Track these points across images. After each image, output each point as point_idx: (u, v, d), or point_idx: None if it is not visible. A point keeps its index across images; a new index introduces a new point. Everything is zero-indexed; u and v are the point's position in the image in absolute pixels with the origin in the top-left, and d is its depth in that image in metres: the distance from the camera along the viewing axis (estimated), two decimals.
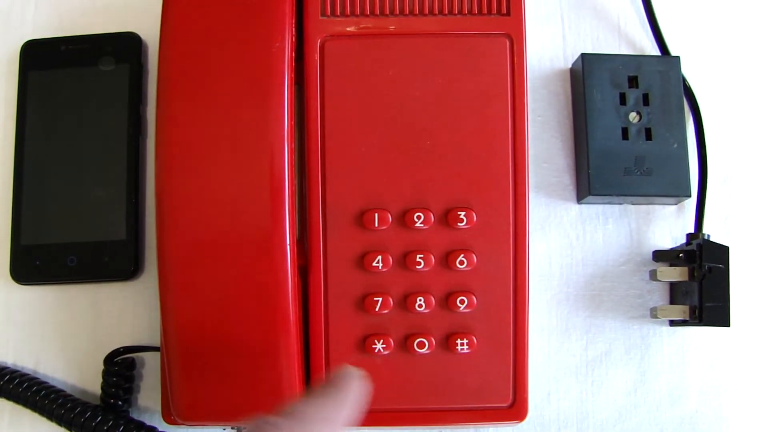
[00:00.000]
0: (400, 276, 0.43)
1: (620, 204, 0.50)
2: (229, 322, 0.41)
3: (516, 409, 0.43)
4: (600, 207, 0.50)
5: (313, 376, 0.43)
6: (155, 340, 0.48)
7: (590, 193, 0.47)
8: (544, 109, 0.50)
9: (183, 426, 0.44)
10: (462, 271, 0.43)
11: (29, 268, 0.48)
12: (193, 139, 0.41)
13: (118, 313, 0.49)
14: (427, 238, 0.43)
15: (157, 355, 0.47)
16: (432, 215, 0.43)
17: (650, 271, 0.49)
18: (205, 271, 0.41)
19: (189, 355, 0.41)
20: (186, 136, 0.41)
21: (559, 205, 0.50)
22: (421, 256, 0.43)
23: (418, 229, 0.43)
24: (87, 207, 0.49)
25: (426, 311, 0.43)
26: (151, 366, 0.48)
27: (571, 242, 0.49)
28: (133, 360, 0.48)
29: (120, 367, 0.47)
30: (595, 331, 0.49)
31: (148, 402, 0.48)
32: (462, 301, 0.43)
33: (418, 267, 0.43)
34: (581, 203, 0.50)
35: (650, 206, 0.50)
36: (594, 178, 0.47)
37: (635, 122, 0.48)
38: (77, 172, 0.49)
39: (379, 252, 0.43)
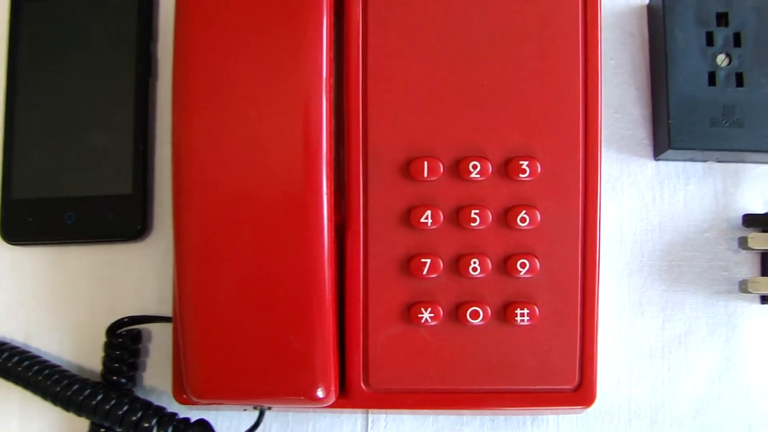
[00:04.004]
0: (451, 234, 0.44)
1: (704, 161, 0.50)
2: (254, 288, 0.42)
3: (582, 393, 0.44)
4: (681, 164, 0.51)
5: (348, 350, 0.44)
6: (164, 309, 0.49)
7: (670, 148, 0.48)
8: (616, 51, 0.51)
9: (197, 406, 0.46)
10: (523, 230, 0.44)
11: (21, 225, 0.50)
12: (217, 77, 0.42)
13: (123, 278, 0.50)
14: (484, 190, 0.44)
15: (166, 327, 0.48)
16: (490, 165, 0.44)
17: (739, 239, 0.49)
18: (228, 230, 0.42)
19: (208, 326, 0.42)
20: (208, 75, 0.42)
21: (633, 161, 0.51)
22: (477, 211, 0.44)
23: (474, 181, 0.44)
24: (88, 156, 0.50)
25: (481, 276, 0.44)
26: (159, 339, 0.50)
27: (647, 204, 0.50)
28: (139, 332, 0.49)
29: (124, 340, 0.48)
30: (673, 308, 0.50)
31: (154, 381, 0.50)
32: (523, 265, 0.44)
33: (472, 224, 0.44)
34: (659, 160, 0.50)
35: (740, 164, 0.50)
36: (675, 130, 0.48)
37: (724, 66, 0.49)
38: (77, 116, 0.50)
39: (427, 206, 0.44)
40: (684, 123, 0.48)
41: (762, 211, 0.50)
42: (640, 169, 0.51)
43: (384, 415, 0.49)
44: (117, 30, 0.51)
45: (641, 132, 0.51)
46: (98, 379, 0.48)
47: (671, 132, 0.48)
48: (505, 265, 0.44)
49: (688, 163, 0.51)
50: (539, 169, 0.44)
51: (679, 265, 0.50)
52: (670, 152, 0.49)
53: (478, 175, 0.44)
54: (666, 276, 0.50)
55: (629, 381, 0.49)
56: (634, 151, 0.51)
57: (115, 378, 0.48)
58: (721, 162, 0.51)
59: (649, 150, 0.51)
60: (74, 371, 0.49)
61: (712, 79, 0.49)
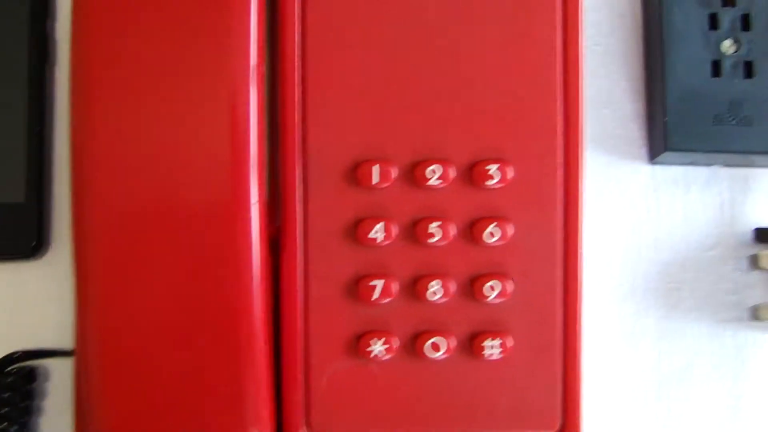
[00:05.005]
0: (407, 252, 0.45)
1: (708, 165, 0.52)
2: (170, 314, 0.43)
3: None
4: (680, 169, 0.52)
5: (286, 388, 0.45)
6: (65, 341, 0.49)
7: (667, 149, 0.49)
8: (604, 35, 0.53)
9: None
10: (492, 247, 0.45)
11: None
12: (124, 62, 0.43)
13: (13, 305, 0.51)
14: (445, 200, 0.45)
15: (66, 363, 0.49)
16: (452, 169, 0.45)
17: (749, 257, 0.51)
18: (139, 246, 0.43)
19: (115, 360, 0.43)
20: (113, 59, 0.43)
21: (623, 165, 0.52)
22: (437, 224, 0.45)
23: (433, 188, 0.45)
24: None
25: (442, 301, 0.45)
26: (58, 378, 0.50)
27: (640, 216, 0.52)
28: (32, 369, 0.50)
29: (15, 379, 0.48)
30: (672, 338, 0.51)
31: (52, 428, 0.50)
32: (492, 288, 0.45)
33: (432, 240, 0.45)
34: (654, 163, 0.52)
35: (749, 169, 0.52)
36: (673, 128, 0.49)
37: (730, 53, 0.50)
38: None
39: (378, 218, 0.45)
40: (683, 120, 0.49)
41: None
42: (633, 174, 0.52)
43: None
44: (5, 5, 0.51)
45: (633, 131, 0.52)
46: None
47: (668, 131, 0.49)
48: (472, 288, 0.45)
49: (689, 168, 0.52)
50: (510, 175, 0.45)
51: (678, 289, 0.51)
52: (667, 155, 0.50)
53: (439, 182, 0.45)
54: (663, 301, 0.51)
55: (621, 425, 0.50)
56: (624, 153, 0.52)
57: (3, 426, 0.48)
58: (727, 166, 0.52)
59: (643, 152, 0.52)
60: None
61: (716, 68, 0.50)
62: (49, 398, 0.51)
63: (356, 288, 0.45)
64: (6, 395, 0.48)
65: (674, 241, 0.52)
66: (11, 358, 0.49)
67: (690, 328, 0.51)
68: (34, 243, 0.50)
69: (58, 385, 0.51)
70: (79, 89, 0.43)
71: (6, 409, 0.48)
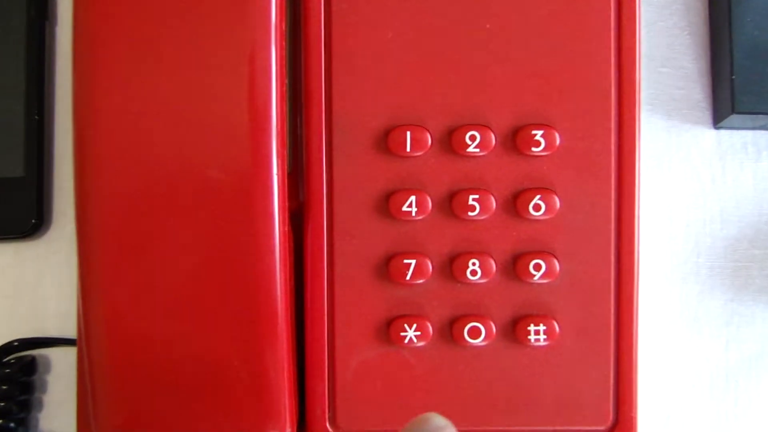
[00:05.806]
0: (444, 227, 0.44)
1: None
2: (183, 298, 0.42)
3: None
4: (749, 134, 0.51)
5: (309, 379, 0.44)
6: (68, 328, 0.49)
7: (734, 111, 0.48)
8: None
9: None
10: (537, 221, 0.44)
11: None
12: (132, 20, 0.42)
13: (12, 288, 0.50)
14: (486, 169, 0.44)
15: (69, 352, 0.49)
16: (493, 135, 0.44)
17: None
18: (148, 223, 0.42)
19: (122, 348, 0.42)
20: (120, 16, 0.42)
21: (685, 130, 0.51)
22: (476, 196, 0.44)
23: (472, 156, 0.44)
24: None
25: (482, 281, 0.44)
26: (60, 368, 0.50)
27: (704, 187, 0.50)
28: (33, 359, 0.49)
29: (13, 370, 0.48)
30: (740, 323, 0.50)
31: (53, 423, 0.50)
32: (537, 267, 0.44)
33: (471, 213, 0.44)
34: (720, 128, 0.51)
35: None
36: (741, 88, 0.48)
37: None
38: None
39: (412, 190, 0.44)
40: (753, 79, 0.48)
41: None
42: (696, 139, 0.51)
43: None
44: None
45: (697, 91, 0.51)
46: None
47: (736, 91, 0.48)
48: (514, 267, 0.44)
49: (759, 132, 0.51)
50: (558, 141, 0.44)
51: (747, 267, 0.50)
52: (734, 118, 0.49)
53: (478, 149, 0.44)
54: (731, 282, 0.50)
55: (682, 419, 0.49)
56: (687, 117, 0.51)
57: (1, 420, 0.48)
58: None
59: (708, 115, 0.51)
60: None
61: None
62: (50, 391, 0.50)
63: (387, 267, 0.44)
64: (4, 388, 0.48)
65: (743, 214, 0.51)
66: (9, 347, 0.49)
67: (760, 311, 0.50)
68: (34, 220, 0.50)
69: (60, 377, 0.50)
70: (84, 50, 0.42)
71: (3, 402, 0.48)
